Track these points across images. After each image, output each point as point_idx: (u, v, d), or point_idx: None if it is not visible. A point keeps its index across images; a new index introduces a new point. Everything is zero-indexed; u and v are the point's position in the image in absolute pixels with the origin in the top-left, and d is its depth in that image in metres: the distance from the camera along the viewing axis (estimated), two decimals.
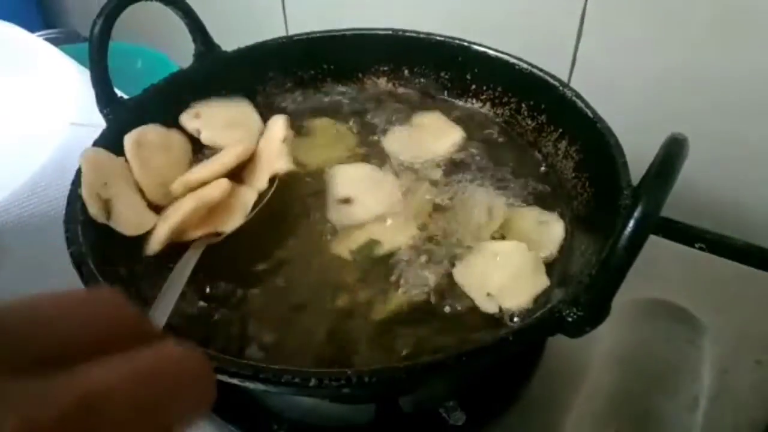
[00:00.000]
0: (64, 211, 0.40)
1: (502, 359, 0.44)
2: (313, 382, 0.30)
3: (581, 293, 0.33)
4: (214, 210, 0.44)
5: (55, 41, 1.00)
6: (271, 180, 0.47)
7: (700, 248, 0.63)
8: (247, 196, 0.46)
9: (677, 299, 0.55)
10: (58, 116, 0.54)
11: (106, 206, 0.42)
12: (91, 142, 0.45)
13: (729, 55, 0.58)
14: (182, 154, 0.50)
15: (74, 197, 0.40)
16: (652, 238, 0.61)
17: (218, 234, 0.44)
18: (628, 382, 0.49)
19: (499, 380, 0.48)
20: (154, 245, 0.42)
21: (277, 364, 0.31)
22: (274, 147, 0.48)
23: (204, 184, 0.46)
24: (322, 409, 0.47)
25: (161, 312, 0.36)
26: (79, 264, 0.36)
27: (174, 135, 0.50)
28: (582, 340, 0.51)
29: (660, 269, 0.57)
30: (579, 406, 0.48)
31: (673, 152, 0.31)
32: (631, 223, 0.30)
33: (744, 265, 0.59)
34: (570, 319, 0.33)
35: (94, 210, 0.40)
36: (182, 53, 0.57)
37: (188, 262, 0.40)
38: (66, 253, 0.37)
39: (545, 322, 0.33)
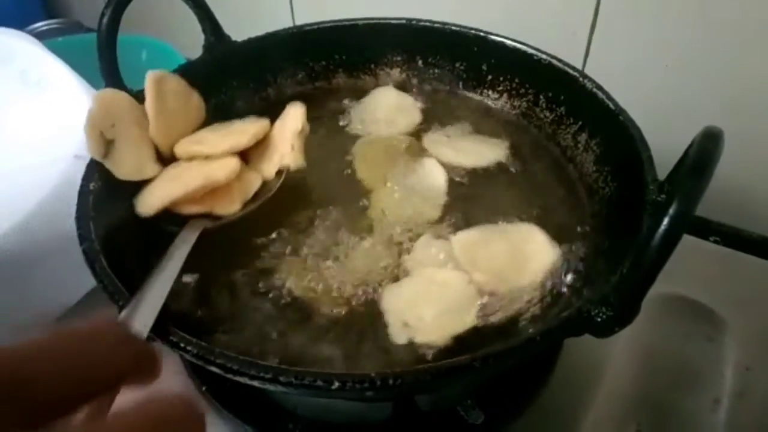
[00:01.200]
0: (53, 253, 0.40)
1: (529, 360, 0.43)
2: (336, 384, 0.29)
3: (611, 292, 0.32)
4: (215, 188, 0.43)
5: (57, 32, 0.99)
6: (279, 171, 0.46)
7: (715, 241, 0.62)
8: (251, 182, 0.45)
9: (696, 295, 0.54)
10: (62, 145, 0.52)
11: (107, 146, 0.41)
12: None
13: (747, 46, 0.56)
14: (196, 111, 0.49)
15: (86, 191, 0.39)
16: None
17: (213, 216, 0.42)
18: (647, 380, 0.49)
19: (517, 379, 0.47)
20: (148, 208, 0.41)
21: None
22: (288, 136, 0.46)
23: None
24: (339, 408, 0.46)
25: (149, 310, 0.32)
26: (92, 261, 0.35)
27: (195, 94, 0.49)
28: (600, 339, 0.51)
29: (677, 264, 0.56)
30: (599, 405, 0.47)
31: (708, 147, 0.30)
32: (666, 221, 0.29)
33: (763, 259, 0.58)
34: (599, 319, 0.32)
35: (92, 146, 0.40)
36: (186, 43, 0.55)
37: (178, 254, 0.37)
38: (53, 286, 0.36)
39: (573, 322, 0.32)
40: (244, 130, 0.47)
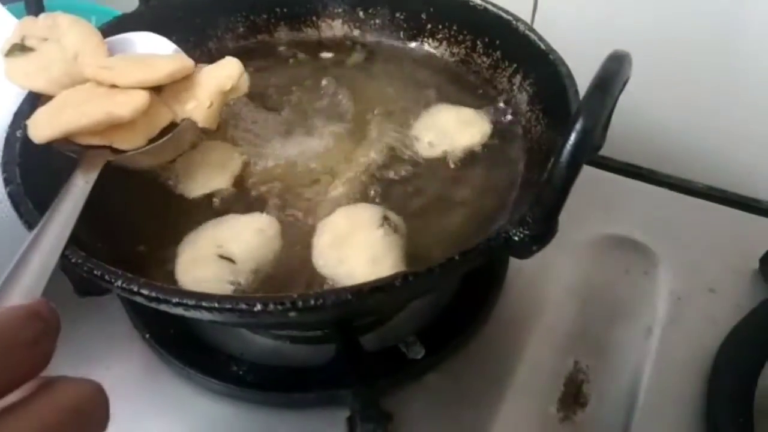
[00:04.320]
0: None
1: (451, 280, 0.44)
2: (258, 307, 0.30)
3: (527, 212, 0.33)
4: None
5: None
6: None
7: None
8: (159, 117, 0.41)
9: (635, 234, 0.56)
10: None
11: (23, 48, 0.40)
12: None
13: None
14: None
15: (12, 139, 0.39)
16: (610, 176, 0.62)
17: (113, 150, 0.39)
18: (585, 314, 0.50)
19: (458, 315, 0.48)
20: (41, 136, 0.37)
21: None
22: (211, 89, 0.42)
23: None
24: (283, 350, 0.47)
25: (37, 273, 0.28)
26: (17, 204, 0.35)
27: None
28: (540, 276, 0.53)
29: (618, 206, 0.58)
30: (538, 340, 0.48)
31: (612, 67, 0.31)
32: (572, 138, 0.30)
33: (700, 199, 0.60)
34: (516, 239, 0.33)
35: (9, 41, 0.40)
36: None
37: (75, 199, 0.34)
38: None
39: (492, 242, 0.33)
40: (158, 66, 0.42)
